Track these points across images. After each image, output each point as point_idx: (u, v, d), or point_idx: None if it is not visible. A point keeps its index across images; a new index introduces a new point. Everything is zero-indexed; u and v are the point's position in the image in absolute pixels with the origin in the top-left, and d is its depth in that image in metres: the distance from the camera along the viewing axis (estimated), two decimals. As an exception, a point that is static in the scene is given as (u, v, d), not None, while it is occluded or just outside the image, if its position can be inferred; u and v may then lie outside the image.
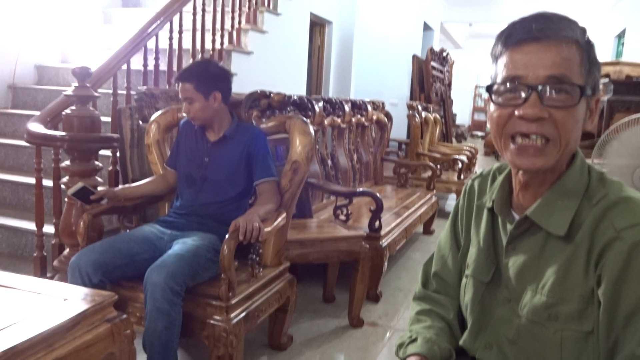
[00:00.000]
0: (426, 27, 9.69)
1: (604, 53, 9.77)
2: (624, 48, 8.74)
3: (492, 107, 0.87)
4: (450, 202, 5.83)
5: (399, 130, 7.20)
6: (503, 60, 0.86)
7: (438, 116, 6.45)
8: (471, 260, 1.01)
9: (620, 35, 9.19)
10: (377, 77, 7.75)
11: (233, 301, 1.79)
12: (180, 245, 1.86)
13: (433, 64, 8.15)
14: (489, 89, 0.88)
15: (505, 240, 0.93)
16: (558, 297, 0.83)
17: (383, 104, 4.83)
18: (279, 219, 2.01)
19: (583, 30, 0.84)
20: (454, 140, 7.87)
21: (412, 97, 8.31)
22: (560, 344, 0.82)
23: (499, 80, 0.86)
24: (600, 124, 3.16)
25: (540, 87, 0.81)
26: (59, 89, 3.65)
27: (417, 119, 5.41)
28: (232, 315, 1.78)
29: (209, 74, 2.09)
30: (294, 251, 2.40)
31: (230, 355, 1.75)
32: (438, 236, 4.29)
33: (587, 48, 0.83)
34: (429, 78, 7.97)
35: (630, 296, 0.75)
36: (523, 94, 0.82)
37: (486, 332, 0.96)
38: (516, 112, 0.83)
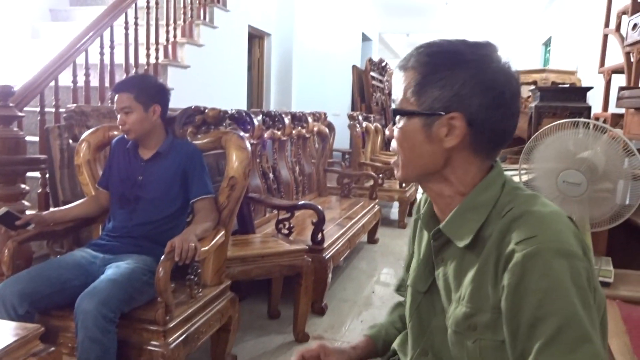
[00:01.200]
0: (365, 38, 9.88)
1: (532, 60, 10.27)
2: (550, 55, 9.22)
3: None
4: (394, 210, 5.93)
5: (342, 141, 7.28)
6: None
7: (379, 125, 6.56)
8: (412, 270, 1.05)
9: (547, 43, 9.69)
10: (319, 88, 7.82)
11: (171, 324, 1.74)
12: (114, 270, 1.79)
13: (372, 74, 8.29)
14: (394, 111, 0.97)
15: None
16: (474, 308, 0.85)
17: (325, 115, 4.87)
18: (217, 237, 1.98)
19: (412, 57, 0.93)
20: (396, 148, 8.03)
21: (353, 108, 8.42)
22: (480, 353, 0.84)
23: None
24: (530, 129, 3.31)
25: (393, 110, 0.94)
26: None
27: (358, 129, 5.48)
28: (170, 339, 1.73)
29: (150, 86, 2.07)
30: (236, 268, 2.36)
31: (170, 381, 1.69)
32: (382, 244, 4.38)
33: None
34: (369, 88, 8.11)
35: (527, 308, 0.76)
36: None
37: (422, 339, 0.98)
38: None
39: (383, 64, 9.02)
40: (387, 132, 0.94)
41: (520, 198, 0.87)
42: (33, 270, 1.81)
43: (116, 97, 2.02)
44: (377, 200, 4.44)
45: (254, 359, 2.36)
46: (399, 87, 0.91)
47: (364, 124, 5.79)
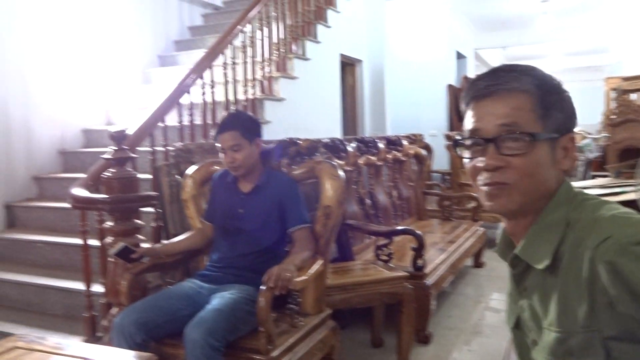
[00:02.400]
0: (459, 56, 9.66)
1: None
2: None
3: (465, 160, 0.92)
4: (500, 231, 5.64)
5: (441, 162, 7.10)
6: (468, 115, 0.92)
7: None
8: (505, 310, 1.03)
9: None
10: (413, 110, 7.73)
11: (274, 354, 1.77)
12: (219, 300, 1.86)
13: (469, 92, 8.05)
14: (456, 142, 0.93)
15: None
16: (565, 332, 0.80)
17: (422, 136, 4.81)
18: (316, 266, 1.99)
19: (537, 78, 0.87)
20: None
21: (451, 127, 8.22)
22: None
23: (466, 134, 0.92)
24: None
25: (495, 138, 0.85)
26: (104, 150, 3.81)
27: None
28: (274, 368, 1.75)
29: (252, 121, 2.18)
30: (336, 296, 2.36)
31: (274, 411, 1.71)
32: (489, 268, 4.17)
33: (540, 94, 0.86)
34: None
35: None
36: (483, 146, 0.87)
37: None
38: (478, 165, 0.88)
39: None
40: (486, 161, 0.86)
41: (588, 208, 0.84)
42: (147, 301, 1.93)
43: (220, 136, 2.09)
44: (480, 222, 4.25)
45: (357, 389, 2.33)
46: (502, 109, 0.86)
47: (463, 143, 5.61)
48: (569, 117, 0.88)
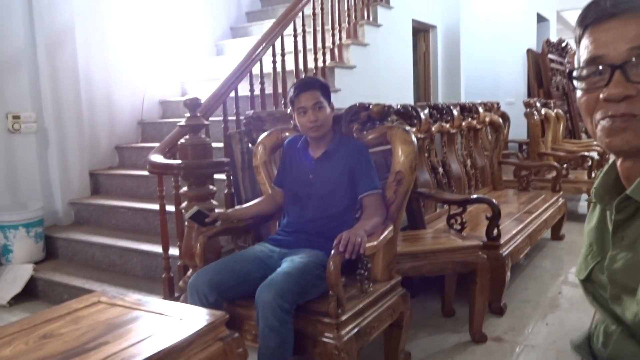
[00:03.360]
0: (540, 19, 9.07)
1: None
2: None
3: (578, 93, 0.81)
4: (582, 203, 5.33)
5: (518, 131, 6.78)
6: (583, 43, 0.80)
7: (561, 112, 5.98)
8: (578, 262, 0.94)
9: None
10: (490, 77, 7.39)
11: (343, 318, 1.77)
12: (289, 263, 1.88)
13: (551, 56, 7.60)
14: (570, 75, 0.81)
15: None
16: None
17: (498, 104, 4.59)
18: (386, 232, 1.96)
19: None
20: (583, 136, 7.23)
21: (529, 94, 7.80)
22: None
23: (581, 64, 0.80)
24: None
25: (623, 64, 0.73)
26: (180, 121, 3.94)
27: (536, 117, 5.06)
28: (343, 332, 1.75)
29: (326, 84, 2.18)
30: (406, 264, 2.32)
31: (344, 373, 1.72)
32: (569, 241, 3.97)
33: None
34: (547, 72, 7.44)
35: None
36: (607, 75, 0.75)
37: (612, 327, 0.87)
38: (601, 95, 0.76)
39: (563, 45, 8.22)
40: (610, 90, 0.74)
41: None
42: (220, 263, 1.99)
43: (302, 96, 2.07)
44: (560, 193, 4.03)
45: (428, 356, 2.30)
46: (633, 31, 0.74)
47: (543, 110, 5.32)
48: None
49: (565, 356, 2.21)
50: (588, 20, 0.79)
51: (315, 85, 2.11)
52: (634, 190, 0.78)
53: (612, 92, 0.74)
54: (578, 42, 0.82)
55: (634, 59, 0.73)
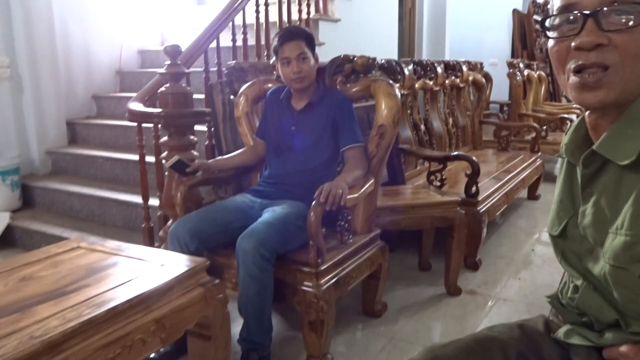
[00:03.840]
0: (528, -21, 8.98)
1: None
2: None
3: (550, 42, 0.80)
4: (559, 164, 5.43)
5: (500, 92, 6.79)
6: None
7: (543, 74, 6.00)
8: (549, 218, 0.96)
9: None
10: (474, 37, 7.35)
11: (322, 267, 1.79)
12: (270, 214, 1.89)
13: (536, 17, 7.54)
14: (542, 23, 0.81)
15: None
16: (637, 235, 0.74)
17: (481, 64, 4.58)
18: (367, 185, 1.98)
19: None
20: (563, 99, 7.29)
21: (513, 55, 7.78)
22: None
23: (554, 12, 0.79)
24: None
25: (596, 12, 0.73)
26: (159, 71, 3.84)
27: (518, 78, 5.07)
28: (322, 281, 1.79)
29: (311, 35, 2.14)
30: (386, 218, 2.35)
31: (322, 321, 1.76)
32: (545, 201, 4.05)
33: None
34: (532, 33, 7.40)
35: None
36: (579, 23, 0.75)
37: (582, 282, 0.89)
38: (572, 44, 0.76)
39: (548, 6, 8.15)
40: (582, 38, 0.74)
41: None
42: (201, 212, 1.99)
43: (286, 45, 2.03)
44: (539, 154, 4.09)
45: (404, 308, 2.36)
46: None
47: (526, 72, 5.33)
48: None
49: (536, 309, 2.29)
50: None
51: (300, 35, 2.07)
52: (600, 145, 0.79)
53: (584, 40, 0.74)
54: None
55: (605, 8, 0.73)
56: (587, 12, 0.74)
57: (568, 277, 0.94)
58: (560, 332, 0.91)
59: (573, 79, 0.77)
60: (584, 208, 0.84)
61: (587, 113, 0.84)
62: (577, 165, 0.86)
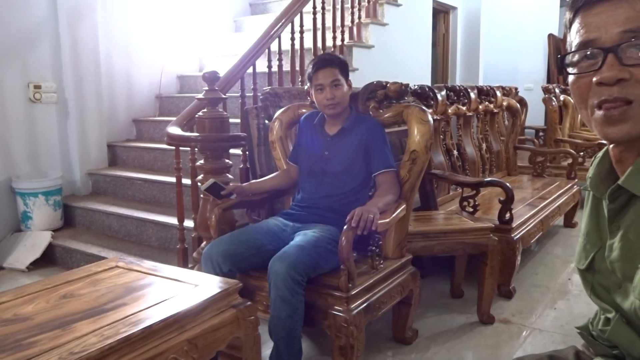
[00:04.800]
0: (563, 3, 8.91)
1: None
2: None
3: (570, 78, 0.80)
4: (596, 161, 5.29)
5: (535, 118, 6.72)
6: (574, 27, 0.79)
7: (580, 99, 5.90)
8: (576, 251, 0.95)
9: None
10: (509, 62, 7.32)
11: (353, 292, 1.80)
12: (302, 237, 1.91)
13: (573, 42, 7.47)
14: (562, 60, 0.81)
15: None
16: None
17: (516, 89, 4.56)
18: (399, 210, 1.98)
19: None
20: (600, 124, 7.16)
21: (549, 80, 7.70)
22: None
23: (573, 48, 0.79)
24: None
25: (616, 47, 0.73)
26: (198, 96, 3.96)
27: (554, 103, 5.01)
28: (353, 306, 1.79)
29: (345, 62, 2.17)
30: (418, 243, 2.34)
31: (352, 346, 1.75)
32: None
33: None
34: (558, 55, 7.32)
35: None
36: (599, 58, 0.75)
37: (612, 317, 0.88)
38: (594, 79, 0.75)
39: (567, 42, 8.06)
40: (603, 74, 0.74)
41: None
42: (234, 234, 2.02)
43: (320, 72, 2.08)
44: (575, 180, 4.01)
45: (435, 335, 2.33)
46: (624, 13, 0.74)
47: (562, 97, 5.26)
48: None
49: (572, 340, 2.23)
50: (579, 4, 0.78)
51: (334, 62, 2.11)
52: (626, 180, 0.79)
53: (605, 75, 0.74)
54: (569, 26, 0.81)
55: (625, 43, 0.73)
56: (607, 47, 0.74)
57: (599, 309, 0.93)
58: None
59: (597, 113, 0.77)
60: (611, 242, 0.84)
61: (611, 146, 0.84)
62: (602, 199, 0.86)
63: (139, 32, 4.34)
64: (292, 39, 3.44)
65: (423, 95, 2.91)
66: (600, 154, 0.90)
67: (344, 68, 2.13)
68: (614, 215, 0.83)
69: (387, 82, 2.26)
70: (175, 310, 1.35)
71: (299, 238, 1.92)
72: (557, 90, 5.21)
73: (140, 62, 4.38)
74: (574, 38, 0.80)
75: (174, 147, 2.72)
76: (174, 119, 2.77)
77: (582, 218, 0.95)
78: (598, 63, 0.75)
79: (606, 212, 0.84)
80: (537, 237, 3.06)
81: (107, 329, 1.25)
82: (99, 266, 1.71)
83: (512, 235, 2.64)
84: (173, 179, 2.87)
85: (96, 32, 3.94)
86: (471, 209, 2.74)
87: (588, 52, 0.77)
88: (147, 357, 1.25)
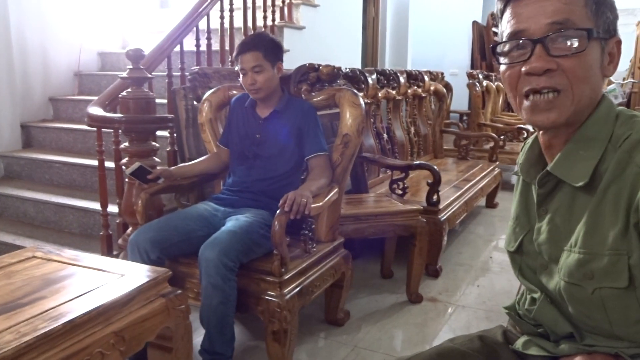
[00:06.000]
0: (487, -8, 9.24)
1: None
2: None
3: (502, 67, 0.84)
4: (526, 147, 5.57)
5: (460, 102, 6.96)
6: (505, 17, 0.82)
7: (501, 84, 6.16)
8: (506, 234, 0.99)
9: None
10: (436, 47, 7.50)
11: (286, 277, 1.79)
12: (233, 222, 1.87)
13: (495, 29, 7.77)
14: (493, 49, 0.84)
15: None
16: (589, 253, 0.77)
17: (442, 74, 4.68)
18: (331, 194, 1.98)
19: None
20: (519, 109, 7.54)
21: (473, 66, 7.99)
22: (602, 303, 0.77)
23: (504, 38, 0.82)
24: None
25: (544, 38, 0.76)
26: (121, 74, 3.77)
27: (477, 88, 5.20)
28: (286, 290, 1.78)
29: (274, 44, 2.09)
30: (349, 226, 2.37)
31: (285, 330, 1.75)
32: (502, 209, 4.16)
33: None
34: (490, 45, 7.62)
35: None
36: (528, 49, 0.78)
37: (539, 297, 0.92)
38: (523, 69, 0.79)
39: (498, 32, 8.41)
40: (532, 64, 0.77)
41: (638, 125, 0.78)
42: (162, 220, 1.95)
43: (242, 57, 2.02)
44: (497, 163, 4.20)
45: (366, 316, 2.37)
46: (552, 5, 0.76)
47: (484, 82, 5.47)
48: (615, 18, 0.81)
49: (494, 315, 2.35)
50: None
51: (258, 45, 2.02)
52: (554, 166, 0.83)
53: (534, 65, 0.77)
54: (500, 16, 0.84)
55: (552, 34, 0.76)
56: (536, 38, 0.77)
57: (525, 290, 0.97)
58: (519, 343, 0.94)
59: (525, 102, 0.80)
60: (539, 225, 0.88)
61: (540, 132, 0.87)
62: (532, 184, 0.89)
63: (55, 5, 4.04)
64: (222, 17, 3.34)
65: (354, 79, 2.92)
66: (530, 140, 0.93)
67: (271, 51, 2.04)
68: (543, 199, 0.86)
69: (319, 65, 2.25)
70: (100, 302, 1.28)
71: (230, 223, 1.88)
72: (480, 76, 5.41)
73: (56, 38, 4.08)
74: (505, 28, 0.82)
75: (95, 129, 2.57)
76: (95, 98, 2.61)
77: (512, 202, 0.99)
78: (527, 53, 0.78)
79: (535, 197, 0.88)
80: (461, 218, 3.18)
81: (23, 325, 1.16)
82: (14, 257, 1.59)
83: (439, 216, 2.73)
84: (95, 162, 2.72)
85: (6, 6, 3.63)
86: (401, 192, 2.80)
87: (519, 42, 0.79)
88: (70, 352, 1.18)
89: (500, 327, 1.04)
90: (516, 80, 0.81)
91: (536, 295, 0.91)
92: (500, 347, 0.98)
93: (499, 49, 0.83)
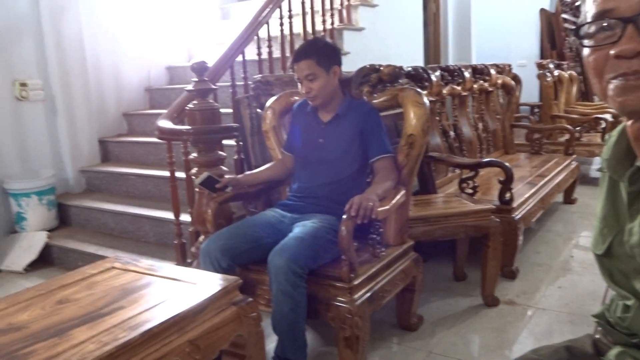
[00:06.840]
0: (555, -23, 8.82)
1: None
2: None
3: (585, 51, 0.74)
4: (595, 166, 5.27)
5: (530, 94, 6.67)
6: None
7: (574, 73, 5.86)
8: (592, 236, 0.90)
9: None
10: (501, 39, 7.24)
11: (356, 282, 1.77)
12: (300, 228, 1.87)
13: (564, 15, 7.40)
14: (577, 32, 0.75)
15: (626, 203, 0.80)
16: None
17: (510, 66, 4.50)
18: (398, 197, 1.94)
19: None
20: (596, 98, 7.10)
21: (542, 56, 7.63)
22: None
23: (588, 19, 0.73)
24: None
25: (636, 16, 0.67)
26: (187, 87, 3.89)
27: (548, 79, 4.96)
28: (356, 296, 1.76)
29: (327, 48, 2.09)
30: (418, 229, 2.31)
31: (357, 337, 1.73)
32: (582, 205, 3.94)
33: None
34: (560, 32, 7.25)
35: None
36: (617, 29, 0.69)
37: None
38: (611, 52, 0.70)
39: (577, 3, 7.98)
40: (622, 46, 0.68)
41: None
42: (232, 228, 1.98)
43: (296, 65, 2.04)
44: (574, 156, 3.98)
45: (440, 320, 2.30)
46: None
47: (556, 72, 5.21)
48: None
49: (578, 319, 2.21)
50: None
51: (310, 53, 2.01)
52: None
53: (625, 47, 0.68)
54: None
55: None
56: (627, 17, 0.69)
57: (616, 296, 0.89)
58: (612, 355, 0.86)
59: (614, 82, 0.72)
60: (631, 225, 0.79)
61: (629, 122, 0.78)
62: (621, 181, 0.82)
63: (124, 24, 4.25)
64: (281, 24, 3.37)
65: (417, 77, 2.85)
66: (615, 132, 0.85)
67: (325, 56, 2.02)
68: (634, 198, 0.78)
69: (380, 65, 2.21)
70: (175, 312, 1.31)
71: (297, 229, 1.88)
72: (551, 66, 5.16)
73: (127, 55, 4.29)
74: (589, 8, 0.74)
75: (165, 141, 2.66)
76: (164, 111, 2.71)
77: (598, 201, 0.91)
78: (616, 35, 0.70)
79: (625, 195, 0.80)
80: (538, 215, 3.03)
81: (104, 334, 1.21)
82: (95, 268, 1.67)
83: (513, 215, 2.61)
84: (167, 173, 2.81)
85: (80, 26, 3.85)
86: (471, 191, 2.70)
87: (605, 23, 0.71)
88: (148, 361, 1.21)
89: (589, 336, 0.96)
90: (602, 64, 0.72)
91: (630, 302, 0.83)
92: (590, 359, 0.90)
93: (582, 31, 0.74)
